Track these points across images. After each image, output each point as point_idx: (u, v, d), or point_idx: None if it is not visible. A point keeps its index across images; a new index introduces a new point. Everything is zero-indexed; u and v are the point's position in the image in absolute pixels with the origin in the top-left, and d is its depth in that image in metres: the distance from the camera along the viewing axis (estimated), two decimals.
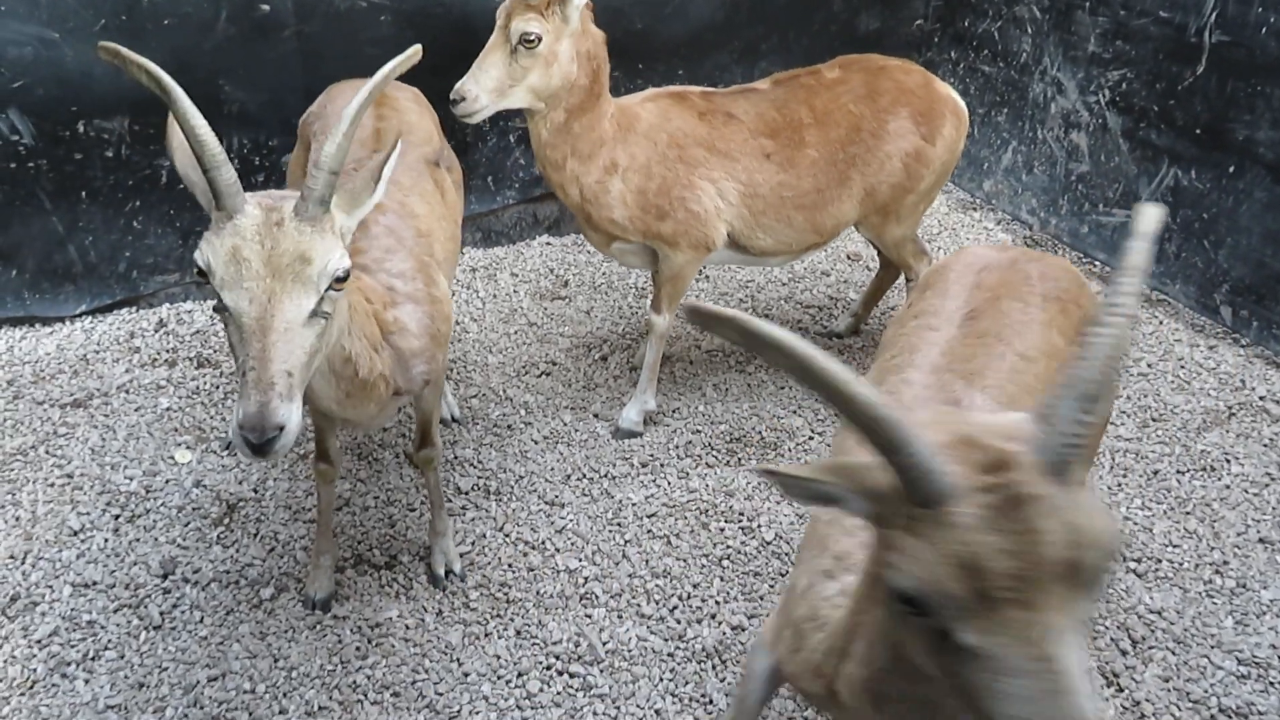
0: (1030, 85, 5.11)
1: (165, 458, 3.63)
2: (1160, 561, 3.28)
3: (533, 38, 3.18)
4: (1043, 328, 2.26)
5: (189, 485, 3.51)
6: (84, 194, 4.03)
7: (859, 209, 3.71)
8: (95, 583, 3.13)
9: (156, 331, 4.31)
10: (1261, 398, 4.07)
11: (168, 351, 4.19)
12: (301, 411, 1.93)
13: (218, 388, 4.01)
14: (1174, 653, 2.96)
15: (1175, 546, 3.35)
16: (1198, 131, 4.33)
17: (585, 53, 3.32)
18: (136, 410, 3.85)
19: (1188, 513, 3.49)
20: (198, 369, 4.11)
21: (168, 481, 3.53)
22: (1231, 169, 4.23)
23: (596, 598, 3.15)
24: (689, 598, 3.17)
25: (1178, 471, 3.69)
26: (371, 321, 2.46)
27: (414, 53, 2.10)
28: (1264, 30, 3.98)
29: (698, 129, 3.53)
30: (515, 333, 4.47)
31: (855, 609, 1.61)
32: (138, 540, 3.29)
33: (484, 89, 3.22)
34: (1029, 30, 5.02)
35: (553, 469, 3.68)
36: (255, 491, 3.52)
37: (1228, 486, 3.60)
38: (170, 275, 4.38)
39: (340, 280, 2.00)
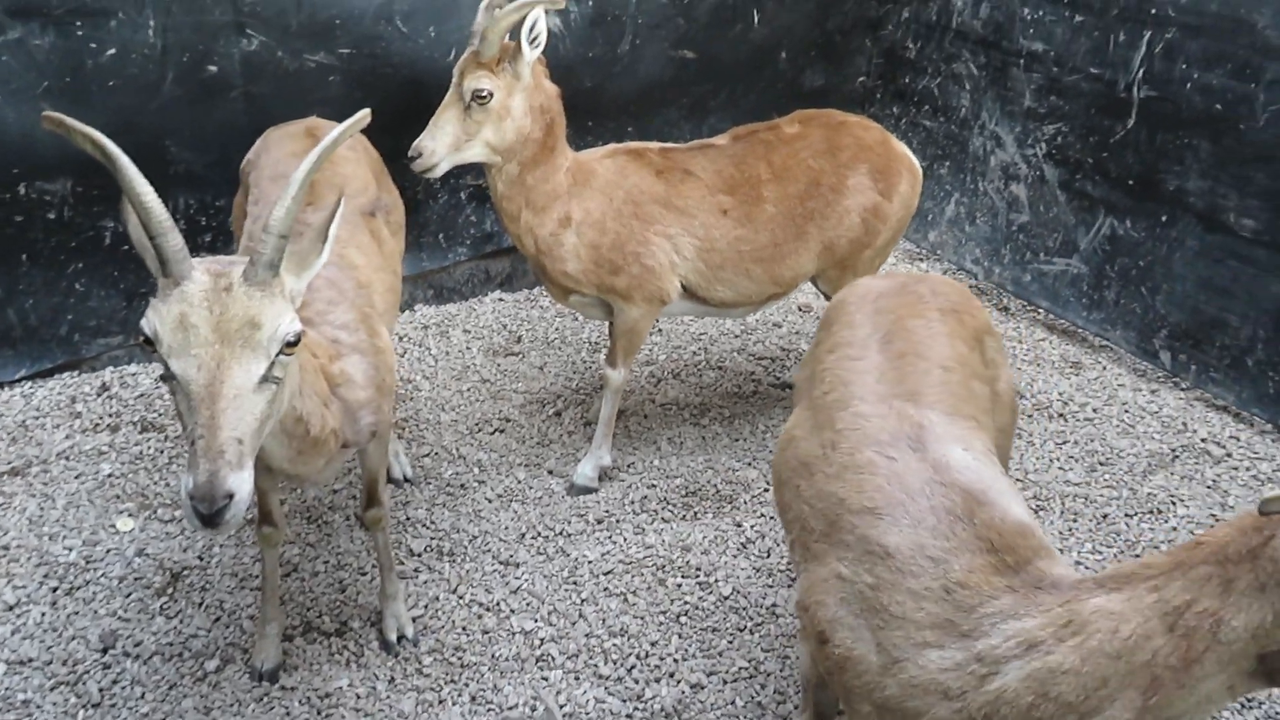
0: (970, 139, 5.26)
1: (106, 526, 3.53)
2: None
3: (485, 94, 3.24)
4: (949, 339, 2.39)
5: (131, 554, 3.41)
6: (25, 256, 3.95)
7: (817, 262, 3.76)
8: (31, 660, 3.01)
9: (99, 396, 4.21)
10: (1203, 440, 4.16)
11: (110, 416, 4.09)
12: (252, 479, 1.89)
13: (162, 452, 3.91)
14: None
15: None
16: (1131, 182, 4.47)
17: (539, 107, 3.36)
18: (77, 478, 3.75)
19: (1137, 555, 3.53)
20: (141, 434, 4.02)
21: (109, 551, 3.42)
22: (1164, 218, 4.37)
23: (553, 659, 3.10)
24: (647, 656, 3.13)
25: (1126, 515, 3.74)
26: (320, 376, 2.44)
27: (363, 116, 2.10)
28: (1188, 85, 4.14)
29: (654, 186, 3.57)
30: (468, 390, 4.44)
31: None
32: (76, 613, 3.18)
33: (440, 145, 3.29)
34: (967, 86, 5.17)
35: (507, 528, 3.64)
36: (200, 559, 3.42)
37: (1174, 528, 3.66)
38: (114, 338, 4.29)
39: (291, 344, 1.98)
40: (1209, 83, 4.06)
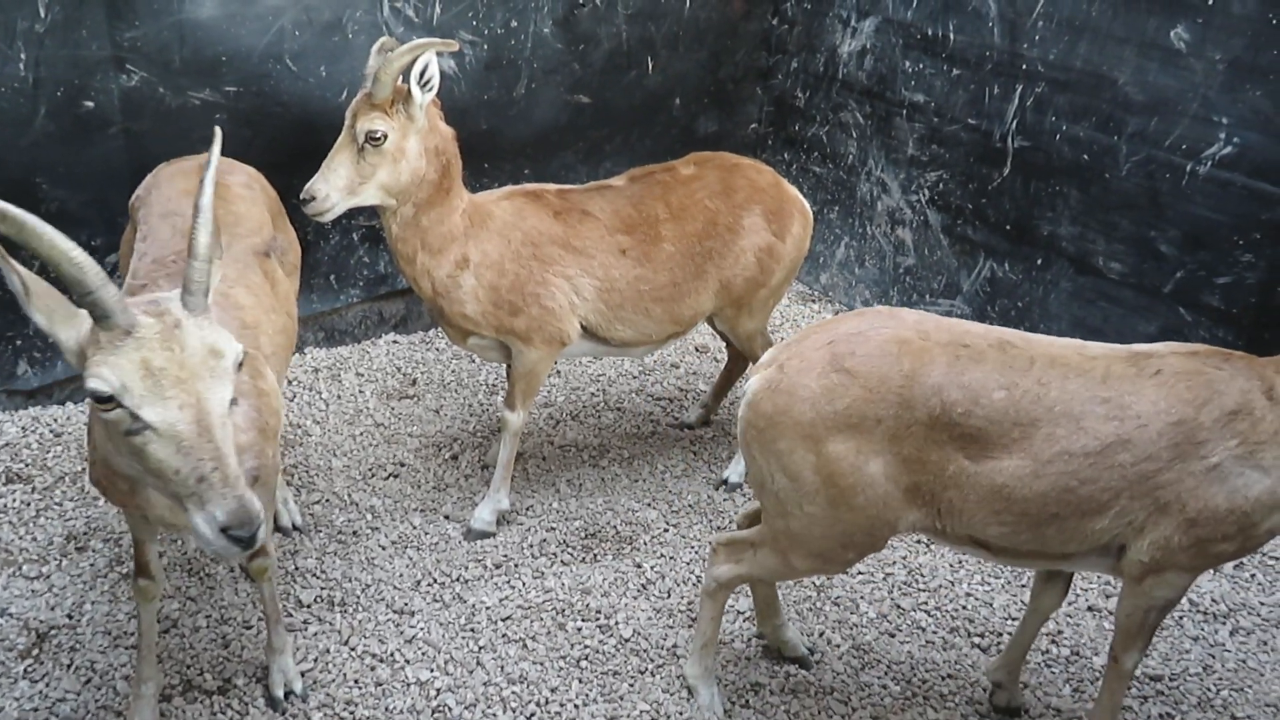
0: (858, 185, 5.44)
1: None
2: (1001, 635, 3.40)
3: (378, 135, 3.20)
4: None
5: None
6: None
7: (715, 300, 3.81)
8: None
9: None
10: None
11: None
12: None
13: (29, 505, 3.69)
14: None
15: (1014, 619, 3.48)
16: (1008, 228, 4.69)
17: (434, 149, 3.34)
18: None
19: (1024, 586, 3.65)
20: (5, 485, 3.78)
21: None
22: (1040, 261, 4.59)
23: (450, 710, 3.01)
24: (547, 703, 3.06)
25: None
26: None
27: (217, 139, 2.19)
28: (1058, 137, 4.38)
29: (552, 227, 3.57)
30: (361, 434, 4.32)
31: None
32: None
33: (334, 188, 3.24)
34: (854, 134, 5.36)
35: (402, 575, 3.54)
36: (70, 617, 3.22)
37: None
38: None
39: (240, 365, 2.00)
40: (1076, 134, 4.31)
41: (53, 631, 3.16)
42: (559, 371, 4.94)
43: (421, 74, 3.22)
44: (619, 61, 5.09)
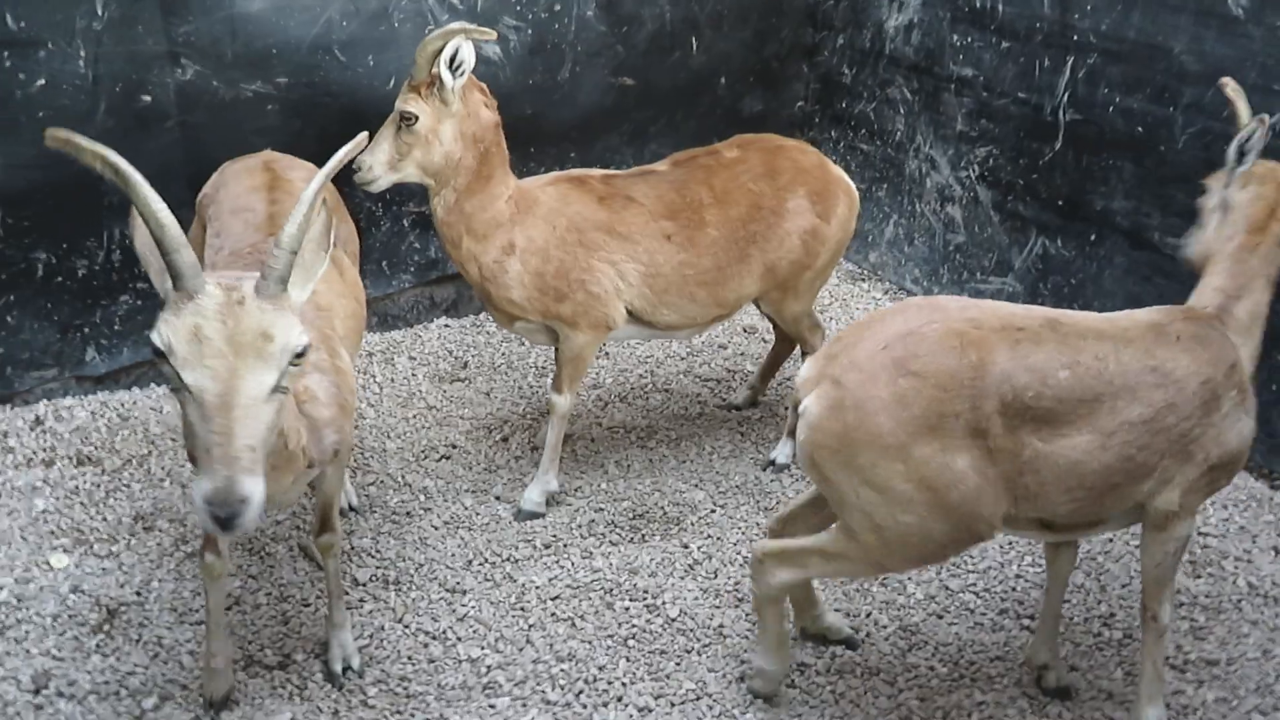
0: (906, 162, 5.38)
1: (39, 563, 3.45)
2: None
3: (410, 116, 3.30)
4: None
5: (65, 591, 3.33)
6: None
7: (760, 284, 3.81)
8: None
9: (32, 430, 4.12)
10: None
11: (45, 450, 4.00)
12: (264, 486, 1.96)
13: (99, 486, 3.84)
14: (1068, 708, 3.03)
15: (1065, 601, 3.45)
16: (1060, 203, 4.61)
17: (471, 135, 3.38)
18: (9, 514, 3.65)
19: (1075, 567, 3.60)
20: (77, 467, 3.94)
21: (42, 588, 3.34)
22: (1093, 237, 4.50)
23: (500, 687, 3.08)
24: (595, 680, 3.12)
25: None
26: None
27: (360, 140, 2.26)
28: (1111, 109, 4.29)
29: (597, 213, 3.60)
30: (414, 417, 4.41)
31: None
32: (8, 654, 3.09)
33: (376, 161, 3.36)
34: (901, 111, 5.29)
35: (454, 555, 3.62)
36: (138, 594, 3.35)
37: (1110, 539, 3.75)
38: (48, 371, 4.21)
39: (300, 355, 2.04)
40: (1130, 106, 4.21)
41: (122, 608, 3.29)
42: (607, 354, 4.98)
43: (449, 60, 3.26)
44: (662, 42, 5.08)
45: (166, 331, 1.95)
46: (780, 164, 3.77)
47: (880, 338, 2.53)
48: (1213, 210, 2.77)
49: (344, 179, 3.47)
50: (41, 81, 3.70)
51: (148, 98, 3.92)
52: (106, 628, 3.22)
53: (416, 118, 3.30)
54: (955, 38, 4.87)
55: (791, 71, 5.67)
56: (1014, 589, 3.50)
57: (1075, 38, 4.35)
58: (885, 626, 3.34)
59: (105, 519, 3.68)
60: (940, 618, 3.39)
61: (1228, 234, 2.70)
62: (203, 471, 1.94)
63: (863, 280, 5.82)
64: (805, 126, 5.84)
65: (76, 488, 3.82)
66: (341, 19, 4.23)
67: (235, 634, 3.22)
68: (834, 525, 2.79)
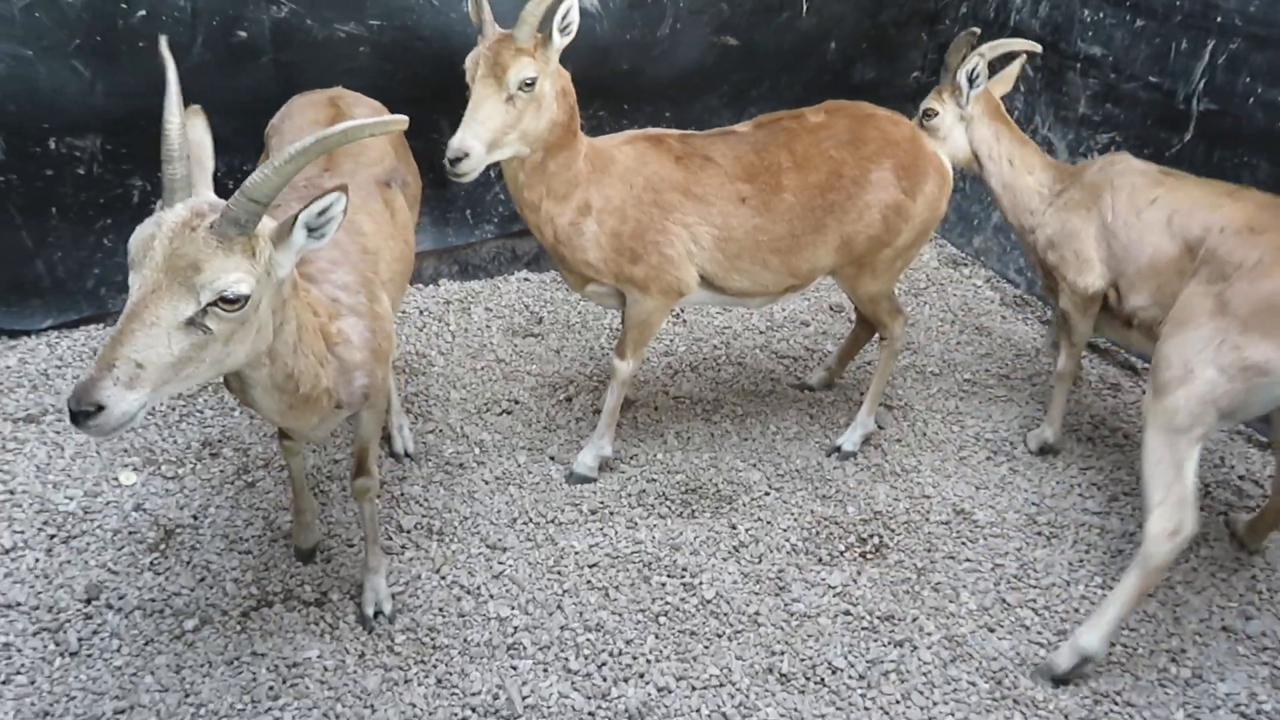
0: None
1: (109, 479, 3.60)
2: (1114, 645, 3.15)
3: (531, 81, 3.09)
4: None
5: (129, 508, 3.47)
6: (54, 210, 4.04)
7: (835, 257, 3.63)
8: (19, 604, 3.09)
9: None
10: (1240, 476, 3.94)
11: None
12: (139, 405, 1.94)
13: (174, 409, 3.98)
14: None
15: (1132, 630, 3.22)
16: None
17: (561, 90, 3.28)
18: None
19: (1149, 595, 3.36)
20: None
21: (108, 503, 3.49)
22: None
23: (524, 649, 3.07)
24: (619, 654, 3.07)
25: None
26: (318, 335, 2.50)
27: (397, 121, 2.10)
28: (1251, 100, 3.89)
29: (674, 173, 3.48)
30: (482, 369, 4.42)
31: None
32: (68, 562, 3.25)
33: (482, 141, 3.07)
34: (1021, 89, 4.95)
35: (499, 511, 3.61)
36: (194, 518, 3.47)
37: (1194, 569, 3.47)
38: None
39: (230, 302, 2.01)
40: (1273, 99, 3.81)
41: (178, 529, 3.41)
42: (683, 320, 4.88)
43: (562, 18, 3.14)
44: (770, 2, 4.87)
45: (134, 232, 2.01)
46: (867, 133, 3.56)
47: None
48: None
49: (421, 125, 3.45)
50: (143, 12, 3.79)
51: (243, 33, 3.97)
52: (162, 547, 3.34)
53: (534, 81, 3.09)
54: (1085, 13, 4.51)
55: (909, 39, 5.37)
56: (1077, 609, 3.29)
57: (1219, 19, 3.95)
58: (930, 634, 3.18)
59: (175, 441, 3.82)
60: (991, 631, 3.21)
61: None
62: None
63: (964, 265, 5.52)
64: (919, 98, 5.51)
65: (153, 408, 3.96)
66: None
67: (278, 567, 3.30)
68: None
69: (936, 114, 3.97)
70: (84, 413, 1.88)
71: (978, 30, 3.84)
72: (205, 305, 1.98)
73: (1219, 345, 2.79)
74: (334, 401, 2.58)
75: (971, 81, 3.84)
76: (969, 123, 3.94)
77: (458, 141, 3.04)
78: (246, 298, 2.02)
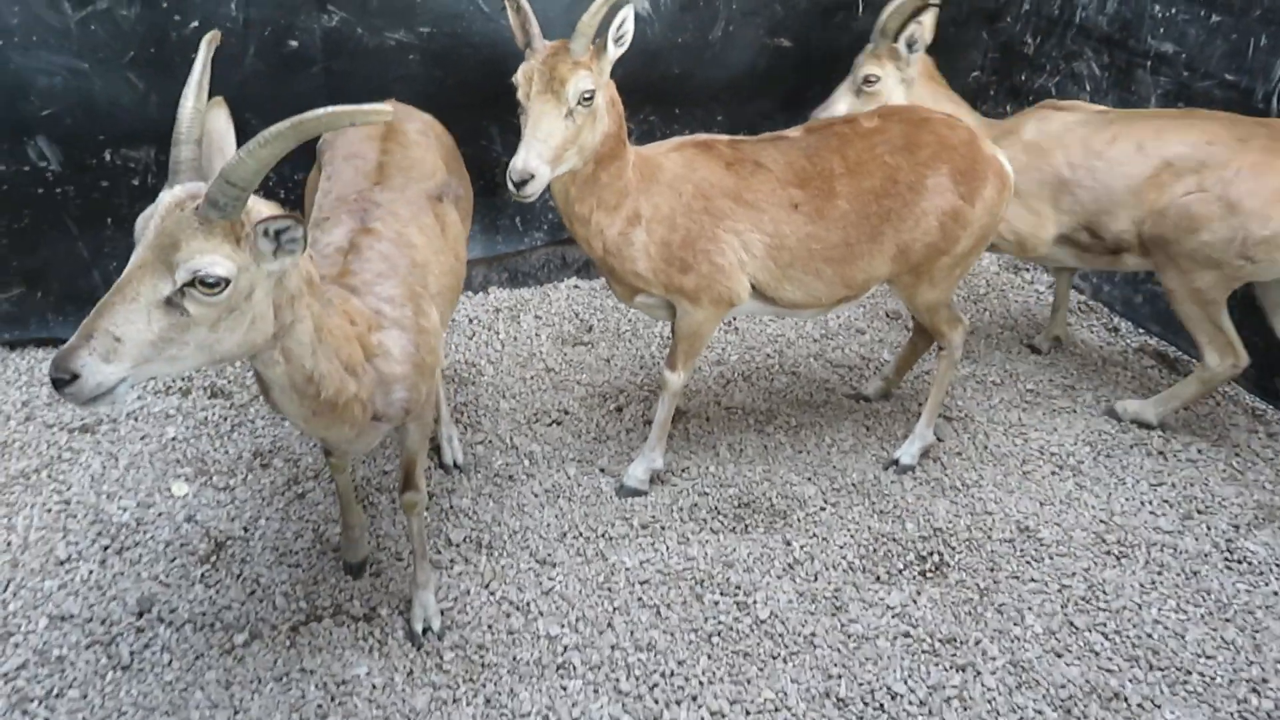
0: None
1: (162, 489, 3.61)
2: (1190, 674, 3.00)
3: (590, 94, 3.00)
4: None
5: (180, 519, 3.48)
6: (109, 220, 4.08)
7: (891, 266, 3.52)
8: (72, 616, 3.10)
9: None
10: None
11: (182, 380, 4.19)
12: (116, 378, 1.93)
13: (226, 419, 3.99)
14: None
15: (1209, 658, 3.07)
16: None
17: (610, 100, 3.21)
18: (142, 439, 3.85)
19: (1227, 620, 3.21)
20: (210, 399, 4.11)
21: (160, 514, 3.50)
22: None
23: (574, 668, 3.01)
24: (671, 675, 3.00)
25: (1220, 572, 3.40)
26: (352, 343, 2.45)
27: (379, 111, 2.03)
28: None
29: (724, 179, 3.39)
30: (531, 378, 4.37)
31: None
32: (121, 574, 3.26)
33: (546, 161, 2.97)
34: (1087, 87, 4.78)
35: (549, 525, 3.56)
36: (245, 530, 3.46)
37: (1276, 593, 3.30)
38: None
39: (209, 286, 1.97)
40: None
41: (229, 541, 3.41)
42: (736, 329, 4.79)
43: (617, 28, 3.07)
44: (825, 2, 4.75)
45: (143, 211, 2.04)
46: (923, 137, 3.44)
47: None
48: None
49: (472, 132, 3.40)
50: (195, 24, 3.80)
51: (294, 42, 3.97)
52: (213, 559, 3.34)
53: (594, 93, 3.01)
54: (1156, 8, 4.33)
55: (969, 38, 5.22)
56: (1149, 634, 3.14)
57: None
58: (994, 659, 3.06)
59: (227, 452, 3.82)
60: (1059, 656, 3.08)
61: None
62: None
63: (1025, 270, 5.35)
64: (980, 98, 5.38)
65: (206, 419, 3.98)
66: None
67: (327, 580, 3.28)
68: None
69: (879, 79, 4.05)
70: (60, 380, 1.90)
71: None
72: (181, 285, 1.95)
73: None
74: (369, 413, 2.54)
75: (910, 47, 4.00)
76: (909, 85, 4.08)
77: (521, 163, 2.93)
78: (225, 281, 1.98)
